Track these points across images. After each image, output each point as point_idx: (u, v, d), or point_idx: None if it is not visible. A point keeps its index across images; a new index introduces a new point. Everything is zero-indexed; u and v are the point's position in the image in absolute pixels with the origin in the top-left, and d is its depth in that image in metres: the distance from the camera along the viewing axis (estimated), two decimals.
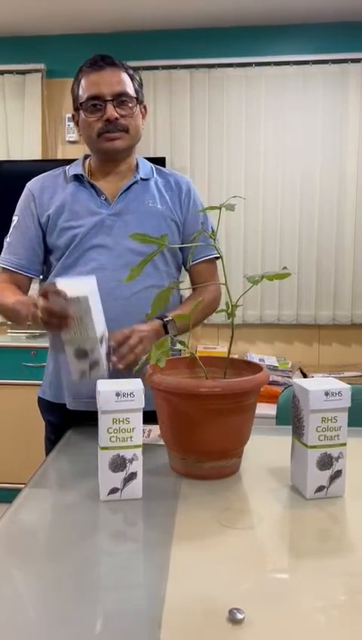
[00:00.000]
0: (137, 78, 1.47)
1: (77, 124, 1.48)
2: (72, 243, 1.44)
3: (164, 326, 1.39)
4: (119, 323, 1.42)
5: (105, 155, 1.47)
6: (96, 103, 1.40)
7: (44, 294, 1.19)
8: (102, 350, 1.25)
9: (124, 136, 1.42)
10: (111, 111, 1.39)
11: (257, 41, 3.26)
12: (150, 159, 1.59)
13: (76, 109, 1.46)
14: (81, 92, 1.43)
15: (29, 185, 1.53)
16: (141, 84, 1.48)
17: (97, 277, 1.38)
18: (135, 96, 1.43)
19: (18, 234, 1.50)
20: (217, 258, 1.55)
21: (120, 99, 1.40)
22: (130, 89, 1.42)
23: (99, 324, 1.23)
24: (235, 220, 3.27)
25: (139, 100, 1.45)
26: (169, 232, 1.45)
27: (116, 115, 1.39)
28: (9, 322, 3.27)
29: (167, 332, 1.38)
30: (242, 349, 3.38)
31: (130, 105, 1.42)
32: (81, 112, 1.43)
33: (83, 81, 1.42)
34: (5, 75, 3.37)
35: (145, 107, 1.50)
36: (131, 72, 1.45)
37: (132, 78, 1.44)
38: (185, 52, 3.27)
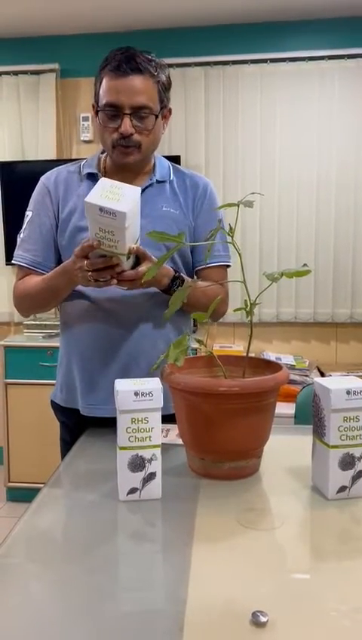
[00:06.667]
0: (164, 78, 1.38)
1: (96, 115, 1.42)
2: None
3: (174, 279, 1.35)
4: (132, 326, 1.41)
5: (118, 165, 1.43)
6: (114, 112, 1.34)
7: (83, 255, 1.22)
8: (127, 264, 1.25)
9: (136, 152, 1.37)
10: (126, 126, 1.33)
11: (272, 38, 3.23)
12: (165, 157, 1.57)
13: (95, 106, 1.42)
14: (101, 93, 1.36)
15: (43, 179, 1.49)
16: (168, 86, 1.40)
17: None
18: (156, 106, 1.36)
19: (32, 229, 1.46)
20: (228, 266, 1.52)
21: (138, 113, 1.34)
22: (151, 101, 1.34)
23: (130, 241, 1.22)
24: (251, 217, 3.25)
25: (162, 105, 1.39)
26: None
27: (131, 130, 1.34)
28: (28, 321, 3.28)
29: (173, 281, 1.35)
30: (258, 348, 3.36)
31: (148, 120, 1.35)
32: (99, 114, 1.38)
33: (104, 83, 1.35)
34: (20, 75, 3.38)
35: (169, 110, 1.44)
36: (157, 72, 1.36)
37: (158, 82, 1.36)
38: (199, 49, 3.26)
